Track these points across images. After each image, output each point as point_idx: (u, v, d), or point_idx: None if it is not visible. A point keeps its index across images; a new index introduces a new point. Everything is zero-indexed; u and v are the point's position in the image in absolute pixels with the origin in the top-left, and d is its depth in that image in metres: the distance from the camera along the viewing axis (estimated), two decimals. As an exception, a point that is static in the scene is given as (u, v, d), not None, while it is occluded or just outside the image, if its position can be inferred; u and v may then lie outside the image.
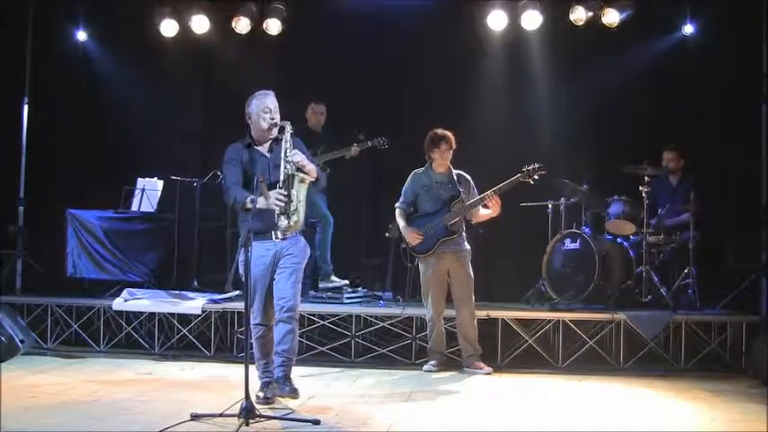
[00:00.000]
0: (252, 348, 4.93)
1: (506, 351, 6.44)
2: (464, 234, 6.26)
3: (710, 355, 6.38)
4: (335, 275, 7.31)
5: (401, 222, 6.29)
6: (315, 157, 6.08)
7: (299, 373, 5.43)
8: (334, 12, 7.86)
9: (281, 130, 4.90)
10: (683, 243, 6.88)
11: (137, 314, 6.88)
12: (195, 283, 7.45)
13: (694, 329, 6.38)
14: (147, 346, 6.79)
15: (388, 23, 8.17)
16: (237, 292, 6.84)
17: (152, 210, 7.61)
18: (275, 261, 4.96)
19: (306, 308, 6.48)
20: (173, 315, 6.78)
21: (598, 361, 6.39)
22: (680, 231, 6.95)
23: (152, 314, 6.82)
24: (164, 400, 5.10)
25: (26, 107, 7.87)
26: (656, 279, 6.74)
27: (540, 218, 7.38)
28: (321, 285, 7.27)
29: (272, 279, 4.97)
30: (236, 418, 4.33)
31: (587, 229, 7.02)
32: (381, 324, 6.61)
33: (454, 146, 6.19)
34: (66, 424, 4.48)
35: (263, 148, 5.06)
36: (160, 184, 7.70)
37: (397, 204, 6.34)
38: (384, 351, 6.54)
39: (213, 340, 6.70)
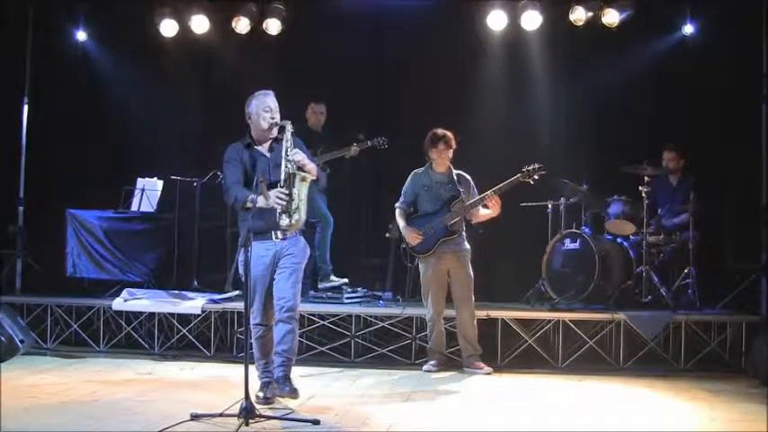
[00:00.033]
0: (252, 348, 4.93)
1: (506, 351, 6.44)
2: (464, 234, 6.26)
3: (710, 355, 6.38)
4: (334, 275, 7.31)
5: (401, 222, 6.29)
6: (315, 157, 6.07)
7: (298, 373, 5.43)
8: (333, 12, 7.85)
9: (282, 129, 4.90)
10: (682, 243, 6.88)
11: (136, 314, 6.88)
12: (195, 283, 7.45)
13: (694, 329, 6.38)
14: (146, 346, 6.79)
15: (387, 23, 8.16)
16: (237, 292, 6.83)
17: (152, 210, 7.61)
18: (275, 261, 4.96)
19: (306, 308, 6.48)
20: (172, 315, 6.78)
21: (598, 361, 6.38)
22: (680, 231, 6.95)
23: (152, 314, 6.81)
24: (163, 400, 5.10)
25: (26, 107, 7.86)
26: (655, 279, 6.74)
27: (540, 218, 7.38)
28: (321, 285, 7.27)
29: (272, 279, 4.97)
30: (236, 418, 4.33)
31: (587, 229, 7.02)
32: (381, 324, 6.61)
33: (453, 146, 6.18)
34: (66, 424, 4.48)
35: (263, 148, 5.06)
36: (160, 184, 7.70)
37: (396, 204, 6.34)
38: (384, 351, 6.54)
39: (213, 340, 6.70)
